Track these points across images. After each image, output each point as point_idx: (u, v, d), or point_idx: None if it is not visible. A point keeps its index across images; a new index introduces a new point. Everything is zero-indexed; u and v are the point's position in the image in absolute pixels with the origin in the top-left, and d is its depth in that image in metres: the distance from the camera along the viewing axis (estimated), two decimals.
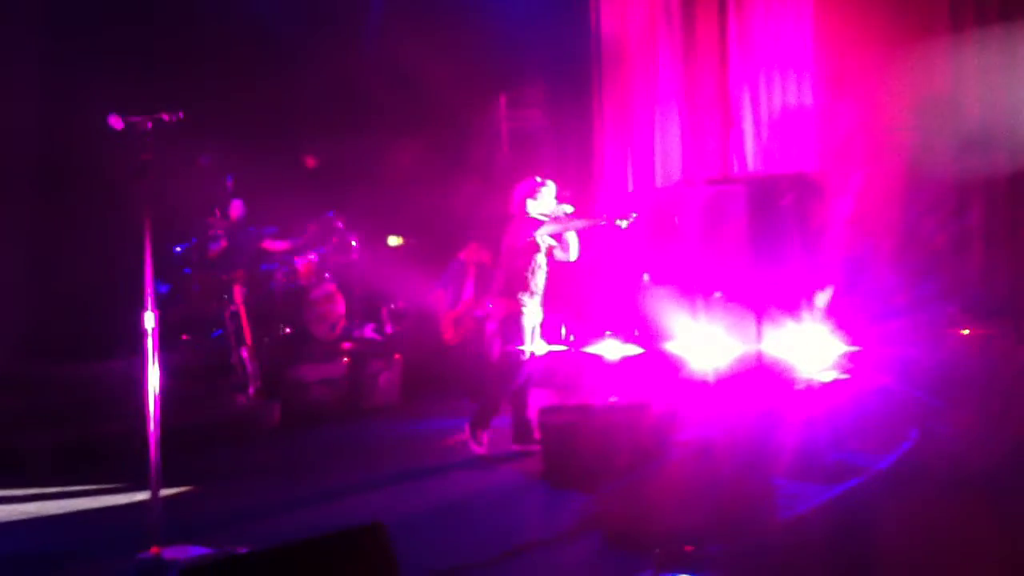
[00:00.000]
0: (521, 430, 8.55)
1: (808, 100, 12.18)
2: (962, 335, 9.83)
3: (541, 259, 8.61)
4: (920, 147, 11.14)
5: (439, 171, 13.25)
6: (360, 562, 3.96)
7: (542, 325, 8.83)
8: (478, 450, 8.43)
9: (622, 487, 6.06)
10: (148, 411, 5.55)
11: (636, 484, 6.03)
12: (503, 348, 8.65)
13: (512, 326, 8.54)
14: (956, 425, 8.13)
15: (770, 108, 12.39)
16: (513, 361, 8.51)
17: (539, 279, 8.60)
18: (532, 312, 8.58)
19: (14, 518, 6.89)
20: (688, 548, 5.35)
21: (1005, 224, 10.95)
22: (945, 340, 9.75)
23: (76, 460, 8.44)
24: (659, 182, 12.98)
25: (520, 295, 8.53)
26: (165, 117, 5.63)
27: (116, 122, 5.63)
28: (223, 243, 11.21)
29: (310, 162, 12.55)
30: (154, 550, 5.48)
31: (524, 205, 8.60)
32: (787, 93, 12.31)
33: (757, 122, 12.47)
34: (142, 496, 6.19)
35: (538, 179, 8.72)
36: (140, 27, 11.70)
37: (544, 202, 8.62)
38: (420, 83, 12.96)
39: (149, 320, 5.59)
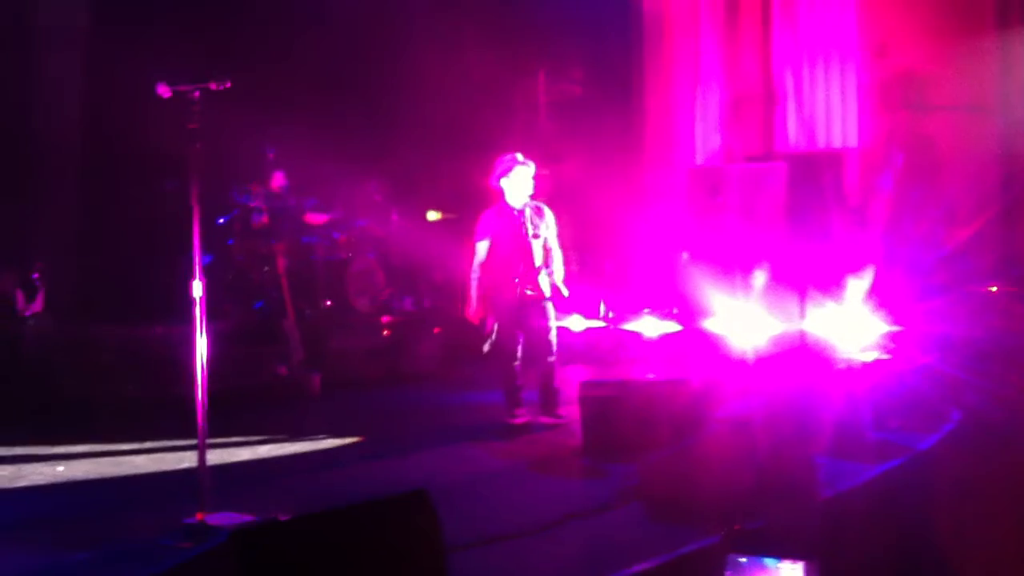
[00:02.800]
0: (546, 402, 8.52)
1: (850, 76, 12.08)
2: (1005, 312, 9.74)
3: (511, 244, 8.41)
4: (965, 124, 11.04)
5: (478, 145, 13.24)
6: (405, 528, 3.99)
7: (563, 301, 8.66)
8: (516, 422, 8.47)
9: (665, 458, 6.06)
10: (196, 379, 5.59)
11: (679, 456, 6.02)
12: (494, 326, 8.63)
13: (494, 305, 8.52)
14: (1000, 402, 8.06)
15: (812, 85, 12.30)
16: (500, 339, 8.49)
17: (503, 264, 8.41)
18: (513, 291, 8.40)
19: (63, 478, 6.99)
20: (737, 527, 5.34)
21: None
22: (988, 317, 9.67)
23: (126, 420, 8.61)
24: (699, 158, 12.93)
25: (473, 280, 8.48)
26: (212, 86, 5.63)
27: (164, 91, 5.63)
28: (265, 217, 11.28)
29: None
30: (199, 516, 5.53)
31: (498, 183, 8.48)
32: (830, 70, 12.22)
33: (799, 99, 12.39)
34: (188, 459, 6.25)
35: (518, 157, 8.46)
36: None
37: (517, 183, 8.44)
38: (461, 57, 12.95)
39: (197, 289, 5.62)
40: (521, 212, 8.45)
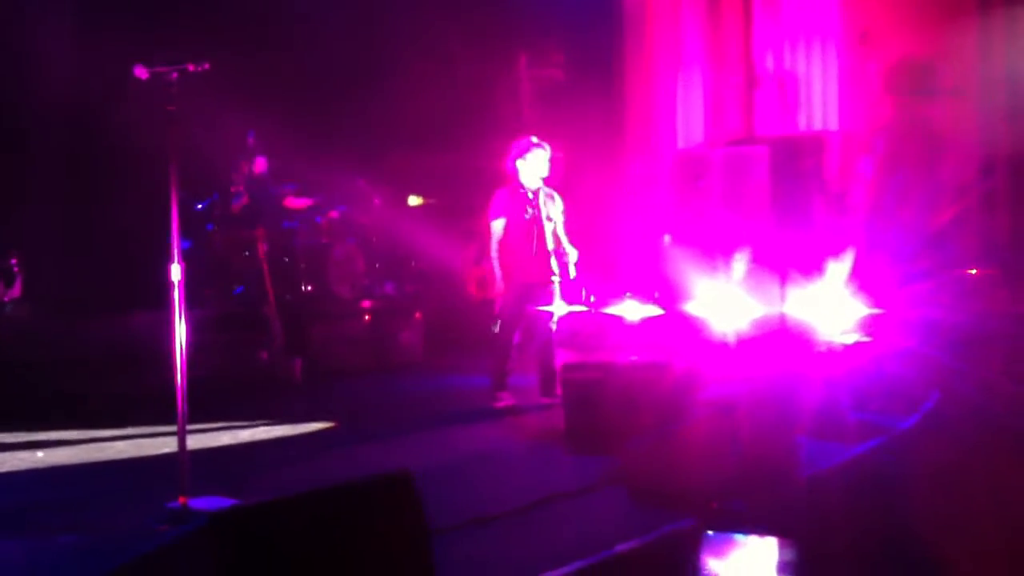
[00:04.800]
0: (545, 382, 8.59)
1: (832, 61, 12.10)
2: (985, 295, 9.79)
3: (524, 225, 8.49)
4: (946, 109, 11.07)
5: (460, 130, 13.23)
6: (387, 509, 3.98)
7: (554, 286, 8.68)
8: (499, 405, 8.52)
9: (647, 443, 6.07)
10: (175, 364, 5.56)
11: (661, 440, 6.03)
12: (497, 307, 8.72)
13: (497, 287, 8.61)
14: (981, 385, 8.11)
15: (794, 69, 12.31)
16: (503, 319, 8.55)
17: (514, 245, 8.50)
18: (522, 272, 8.48)
19: (45, 464, 6.97)
20: (713, 505, 5.37)
21: None
22: (968, 301, 9.71)
23: (107, 407, 8.61)
24: (681, 143, 12.93)
25: (494, 258, 8.53)
26: (191, 68, 5.58)
27: (141, 72, 5.59)
28: (245, 199, 11.23)
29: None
30: (181, 500, 5.51)
31: (514, 165, 8.56)
32: (811, 54, 12.22)
33: (780, 83, 12.39)
34: (170, 445, 6.24)
35: (533, 139, 8.58)
36: None
37: (533, 165, 8.52)
38: (442, 41, 12.90)
39: (176, 272, 5.59)
40: (536, 194, 8.51)
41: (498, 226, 8.53)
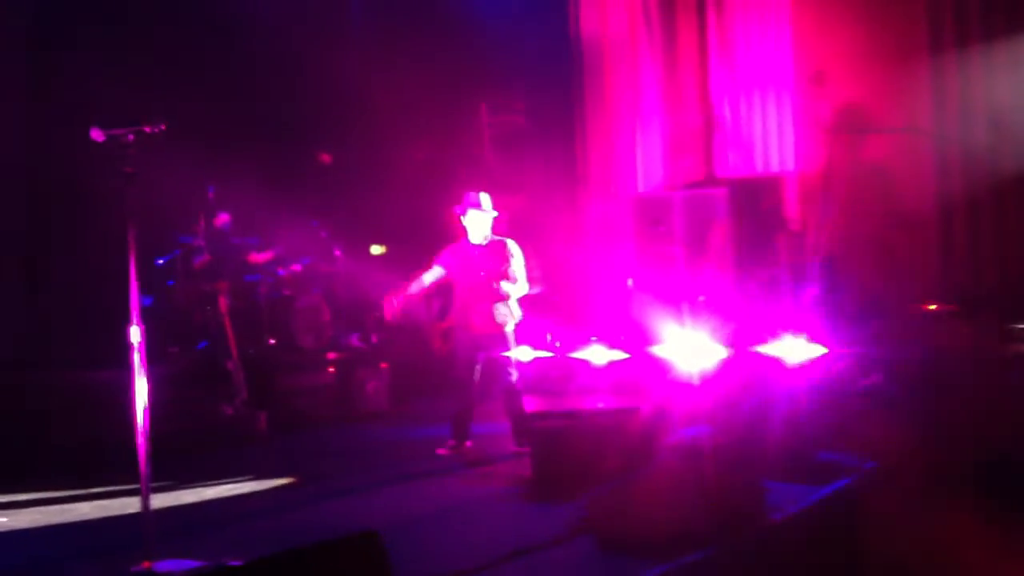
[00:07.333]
0: (519, 432, 8.60)
1: (787, 103, 12.23)
2: (945, 332, 9.88)
3: (469, 278, 8.62)
4: (901, 147, 11.22)
5: (421, 178, 13.27)
6: (354, 570, 3.96)
7: (506, 336, 8.71)
8: (441, 451, 8.64)
9: (613, 490, 6.06)
10: (137, 426, 5.52)
11: (626, 487, 6.03)
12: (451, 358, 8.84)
13: (455, 336, 8.78)
14: (940, 421, 8.17)
15: (750, 111, 12.45)
16: (457, 369, 8.69)
17: (461, 297, 8.66)
18: (469, 324, 8.58)
19: (7, 528, 6.87)
20: None
21: (988, 226, 11.01)
22: (929, 338, 9.79)
23: (71, 467, 8.48)
24: (641, 187, 13.02)
25: (453, 309, 8.71)
26: (147, 129, 5.59)
27: (97, 135, 5.59)
28: (206, 256, 11.19)
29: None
30: (145, 564, 5.45)
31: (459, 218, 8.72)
32: (767, 96, 12.36)
33: (737, 125, 12.52)
34: (134, 505, 6.17)
35: (482, 200, 8.65)
36: (124, 37, 11.72)
37: (471, 223, 8.64)
38: (401, 90, 12.97)
39: (135, 334, 5.56)
40: (477, 248, 8.57)
41: (433, 272, 8.72)
